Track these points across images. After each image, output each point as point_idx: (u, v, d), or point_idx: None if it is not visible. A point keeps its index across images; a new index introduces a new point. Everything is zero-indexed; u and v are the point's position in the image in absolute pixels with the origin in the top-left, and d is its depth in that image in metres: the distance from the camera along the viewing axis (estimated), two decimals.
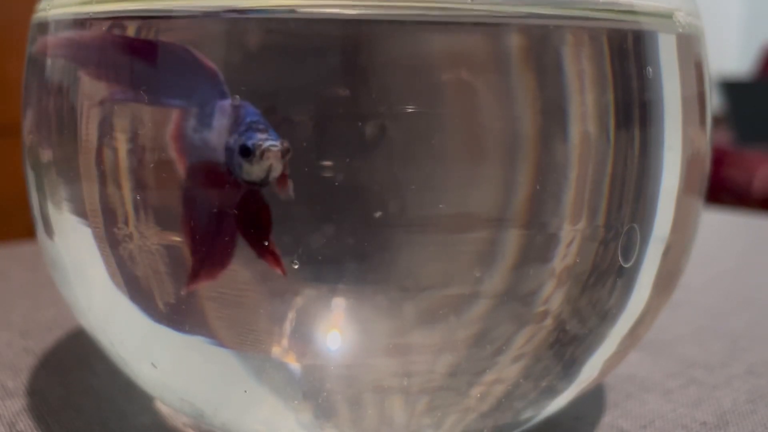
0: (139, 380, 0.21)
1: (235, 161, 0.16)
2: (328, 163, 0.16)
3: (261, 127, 0.16)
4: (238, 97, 0.16)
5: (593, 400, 0.26)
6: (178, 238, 0.18)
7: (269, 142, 0.16)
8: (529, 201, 0.17)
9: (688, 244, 0.22)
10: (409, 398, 0.18)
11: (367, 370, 0.18)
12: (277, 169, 0.16)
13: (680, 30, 0.20)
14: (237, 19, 0.17)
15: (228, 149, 0.16)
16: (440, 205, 0.17)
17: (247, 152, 0.16)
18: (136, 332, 0.20)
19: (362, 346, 0.18)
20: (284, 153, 0.16)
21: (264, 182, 0.16)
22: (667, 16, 0.19)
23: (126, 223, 0.18)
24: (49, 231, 0.21)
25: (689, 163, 0.20)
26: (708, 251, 0.48)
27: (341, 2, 0.16)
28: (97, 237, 0.19)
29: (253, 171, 0.16)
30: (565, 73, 0.17)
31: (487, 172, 0.17)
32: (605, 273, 0.19)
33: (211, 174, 0.17)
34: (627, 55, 0.18)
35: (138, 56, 0.17)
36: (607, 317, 0.19)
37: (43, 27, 0.20)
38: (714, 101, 0.23)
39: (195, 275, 0.17)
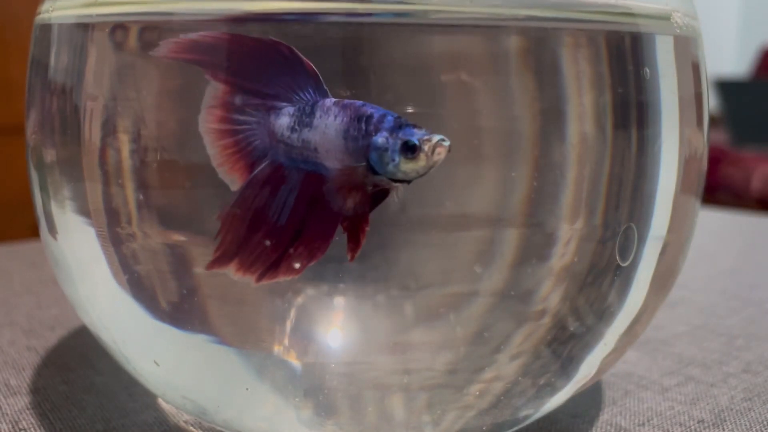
0: (142, 378, 0.21)
1: (387, 159, 0.15)
2: None
3: (411, 122, 0.15)
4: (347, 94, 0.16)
5: (591, 398, 0.26)
6: (181, 237, 0.18)
7: (437, 137, 0.15)
8: (528, 200, 0.17)
9: (685, 244, 0.22)
10: (409, 395, 0.19)
11: (367, 368, 0.18)
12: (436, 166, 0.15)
13: (677, 31, 0.20)
14: (236, 21, 0.17)
15: (376, 148, 0.15)
16: (441, 205, 0.17)
17: (412, 149, 0.15)
18: (139, 330, 0.20)
19: (363, 344, 0.18)
20: (450, 148, 0.15)
21: (412, 179, 0.16)
22: (665, 18, 0.20)
23: (129, 222, 0.18)
24: (52, 230, 0.21)
25: (686, 163, 0.20)
26: (705, 250, 0.48)
27: (342, 6, 0.16)
28: (100, 236, 0.19)
29: (415, 168, 0.15)
30: (564, 74, 0.17)
31: (487, 172, 0.17)
32: (603, 272, 0.19)
33: (348, 176, 0.16)
34: (625, 56, 0.18)
35: (248, 55, 0.16)
36: (604, 315, 0.20)
37: (46, 29, 0.20)
38: (711, 102, 0.23)
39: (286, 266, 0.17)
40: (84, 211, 0.19)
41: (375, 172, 0.16)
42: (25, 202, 0.29)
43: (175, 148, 0.17)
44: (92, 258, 0.19)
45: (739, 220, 0.62)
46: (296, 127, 0.16)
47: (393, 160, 0.15)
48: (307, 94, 0.16)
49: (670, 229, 0.20)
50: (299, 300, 0.18)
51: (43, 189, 0.21)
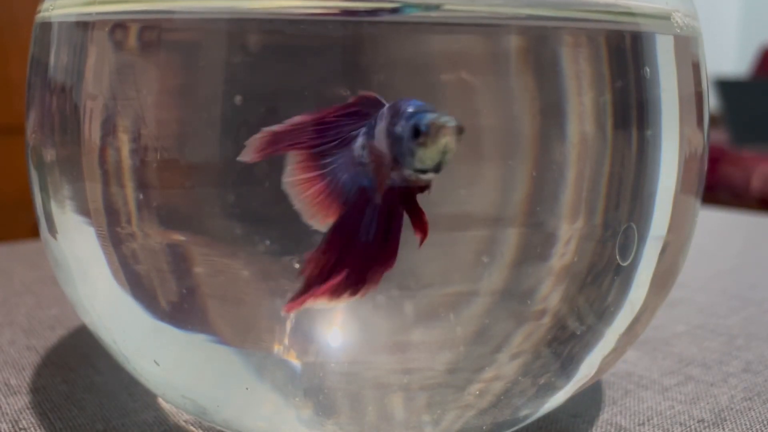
0: (142, 378, 0.21)
1: (404, 149, 0.15)
2: None
3: (430, 108, 0.15)
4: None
5: (591, 398, 0.26)
6: (181, 237, 0.18)
7: (444, 118, 0.14)
8: (528, 200, 0.17)
9: (685, 243, 0.22)
10: (409, 395, 0.19)
11: (367, 368, 0.18)
12: (452, 151, 0.15)
13: (678, 31, 0.20)
14: (238, 20, 0.17)
15: (395, 138, 0.15)
16: (441, 205, 0.17)
17: (418, 133, 0.14)
18: (139, 330, 0.20)
19: (363, 344, 0.18)
20: (460, 130, 0.14)
21: (437, 169, 0.15)
22: (665, 17, 0.20)
23: (129, 221, 0.18)
24: (52, 230, 0.21)
25: (686, 163, 0.20)
26: (705, 250, 0.48)
27: (342, 4, 0.16)
28: (100, 236, 0.19)
29: (427, 155, 0.15)
30: (564, 73, 0.17)
31: (486, 171, 0.17)
32: (603, 271, 0.19)
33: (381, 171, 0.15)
34: (625, 55, 0.18)
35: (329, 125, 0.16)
36: (604, 315, 0.20)
37: (46, 27, 0.20)
38: (711, 102, 0.23)
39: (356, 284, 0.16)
40: (84, 210, 0.19)
41: (402, 166, 0.15)
42: (25, 202, 0.29)
43: (175, 148, 0.17)
44: (92, 258, 0.19)
45: (739, 219, 0.62)
46: (365, 143, 0.16)
47: (409, 149, 0.15)
48: (373, 114, 0.16)
49: (670, 229, 0.20)
50: None
51: (43, 189, 0.21)
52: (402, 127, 0.15)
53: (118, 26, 0.18)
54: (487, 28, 0.17)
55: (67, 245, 0.21)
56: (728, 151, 2.02)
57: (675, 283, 0.23)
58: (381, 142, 0.15)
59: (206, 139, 0.17)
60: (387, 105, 0.16)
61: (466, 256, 0.18)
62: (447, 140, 0.14)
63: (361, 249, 0.16)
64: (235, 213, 0.17)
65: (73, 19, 0.19)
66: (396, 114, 0.15)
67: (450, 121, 0.14)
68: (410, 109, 0.15)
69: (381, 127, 0.15)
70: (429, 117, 0.14)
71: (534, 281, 0.18)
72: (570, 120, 0.17)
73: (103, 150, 0.18)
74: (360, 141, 0.16)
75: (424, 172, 0.15)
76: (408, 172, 0.15)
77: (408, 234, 0.17)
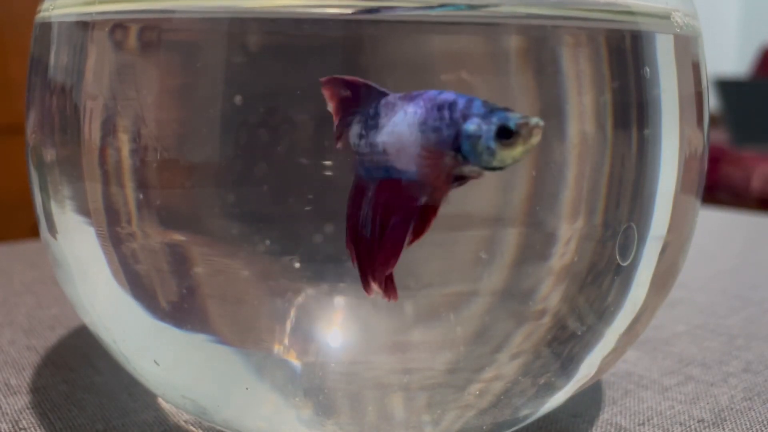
0: (142, 378, 0.21)
1: (481, 147, 0.14)
2: (328, 162, 0.16)
3: (500, 106, 0.14)
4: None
5: (591, 398, 0.26)
6: (181, 237, 0.18)
7: (533, 120, 0.14)
8: (528, 200, 0.17)
9: (685, 243, 0.22)
10: (409, 395, 0.19)
11: (367, 368, 0.18)
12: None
13: (678, 31, 0.20)
14: (238, 19, 0.17)
15: (469, 136, 0.14)
16: (442, 204, 0.17)
17: (508, 134, 0.14)
18: (139, 330, 0.20)
19: (363, 344, 0.18)
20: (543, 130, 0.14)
21: (503, 167, 0.15)
22: (665, 16, 0.20)
23: (129, 221, 0.18)
24: (52, 230, 0.21)
25: (686, 163, 0.20)
26: (705, 250, 0.48)
27: (342, 3, 0.16)
28: (100, 235, 0.19)
29: (511, 155, 0.14)
30: (564, 73, 0.17)
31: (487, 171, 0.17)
32: (603, 271, 0.19)
33: (434, 167, 0.15)
34: (625, 55, 0.18)
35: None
36: (604, 315, 0.20)
37: (46, 27, 0.20)
38: (711, 102, 0.23)
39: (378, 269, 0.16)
40: (84, 210, 0.19)
41: (466, 162, 0.15)
42: (25, 202, 0.29)
43: (175, 148, 0.17)
44: (92, 258, 0.19)
45: (739, 219, 0.62)
46: (363, 132, 0.15)
47: (488, 148, 0.14)
48: (371, 101, 0.15)
49: (670, 229, 0.20)
50: (299, 300, 0.18)
51: (43, 189, 0.21)
52: (478, 126, 0.14)
53: (117, 26, 0.18)
54: (487, 27, 0.17)
55: (67, 245, 0.21)
56: (728, 151, 2.02)
57: (675, 283, 0.23)
58: (402, 135, 0.15)
59: (206, 139, 0.17)
60: (399, 95, 0.15)
61: (466, 256, 0.18)
62: (537, 140, 0.14)
63: (365, 242, 0.16)
64: (235, 213, 0.17)
65: (73, 19, 0.19)
66: (440, 107, 0.15)
67: (540, 122, 0.14)
68: (480, 105, 0.15)
69: (400, 120, 0.15)
70: (516, 117, 0.14)
71: (534, 281, 0.18)
72: (570, 120, 0.17)
73: (103, 150, 0.18)
74: (356, 129, 0.16)
75: (493, 169, 0.15)
76: (471, 169, 0.15)
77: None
